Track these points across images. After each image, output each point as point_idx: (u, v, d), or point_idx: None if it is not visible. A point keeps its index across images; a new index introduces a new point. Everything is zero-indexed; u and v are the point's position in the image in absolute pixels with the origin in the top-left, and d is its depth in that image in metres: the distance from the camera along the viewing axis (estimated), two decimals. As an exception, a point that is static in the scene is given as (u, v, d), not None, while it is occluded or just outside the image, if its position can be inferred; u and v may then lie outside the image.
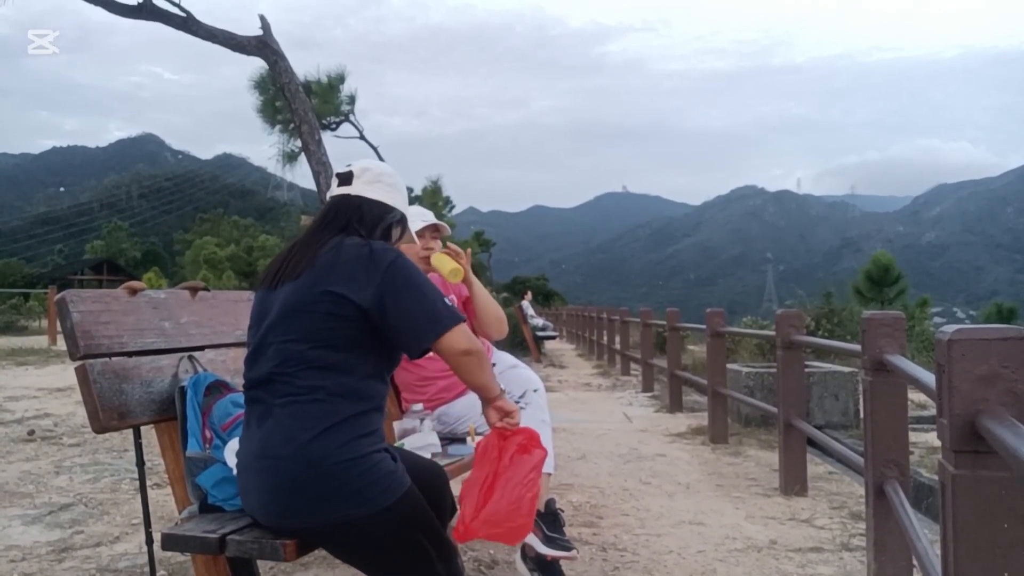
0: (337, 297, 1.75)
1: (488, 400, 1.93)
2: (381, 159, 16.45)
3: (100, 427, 1.95)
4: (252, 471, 1.78)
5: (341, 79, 14.78)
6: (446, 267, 2.76)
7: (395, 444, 2.52)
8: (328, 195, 2.04)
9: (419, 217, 2.94)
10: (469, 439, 2.77)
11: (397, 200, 2.01)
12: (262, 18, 7.85)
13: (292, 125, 11.92)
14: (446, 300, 1.82)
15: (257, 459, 1.76)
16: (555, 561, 2.64)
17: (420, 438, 2.68)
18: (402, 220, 2.03)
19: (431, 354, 2.89)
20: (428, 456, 2.43)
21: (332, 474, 1.70)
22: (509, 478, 1.87)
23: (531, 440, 1.94)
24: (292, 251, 1.89)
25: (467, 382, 1.91)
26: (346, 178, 1.99)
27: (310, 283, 1.77)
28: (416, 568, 1.77)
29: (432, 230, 2.96)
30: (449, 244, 2.89)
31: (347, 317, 1.75)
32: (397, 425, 2.83)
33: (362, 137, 15.60)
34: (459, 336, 1.78)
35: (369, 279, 1.76)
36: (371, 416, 1.80)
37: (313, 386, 1.74)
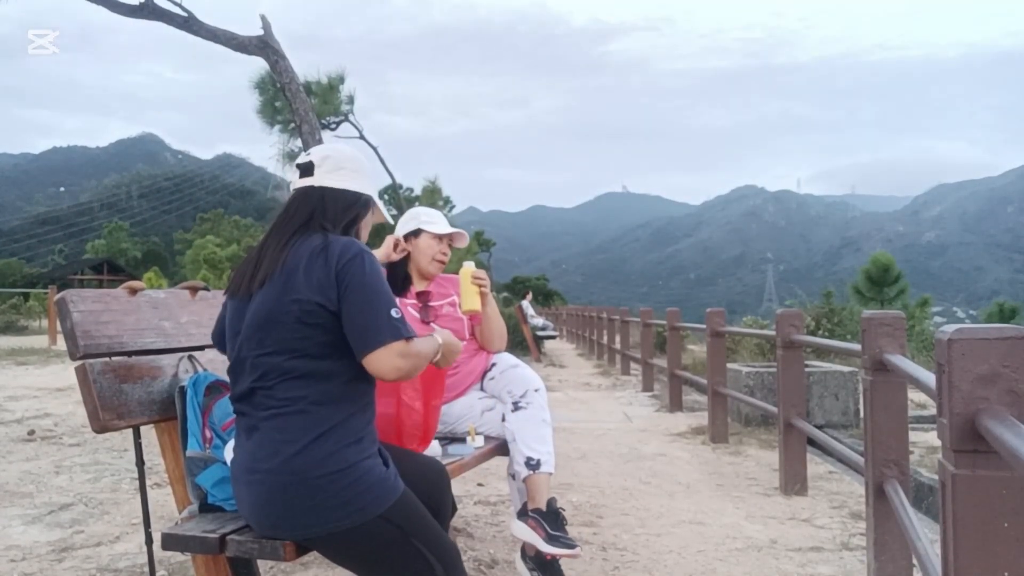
0: (305, 304, 1.70)
1: None
2: (381, 159, 16.45)
3: (100, 427, 1.95)
4: (242, 484, 1.77)
5: (341, 79, 14.81)
6: (469, 300, 2.73)
7: None
8: (291, 187, 1.91)
9: (443, 223, 2.98)
10: (469, 439, 2.77)
11: (363, 184, 1.91)
12: (263, 18, 7.84)
13: (292, 125, 11.93)
14: (393, 312, 1.71)
15: (246, 472, 1.75)
16: (555, 560, 2.64)
17: None
18: (367, 203, 1.91)
19: None
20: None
21: (319, 486, 1.67)
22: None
23: None
24: (259, 254, 1.82)
25: None
26: (307, 168, 1.87)
27: (278, 292, 1.73)
28: (415, 575, 1.74)
29: (453, 238, 3.00)
30: (477, 272, 2.77)
31: (319, 324, 1.71)
32: None
33: (362, 137, 15.63)
34: (389, 356, 1.68)
35: (330, 280, 1.71)
36: (358, 420, 1.76)
37: (295, 397, 1.71)
